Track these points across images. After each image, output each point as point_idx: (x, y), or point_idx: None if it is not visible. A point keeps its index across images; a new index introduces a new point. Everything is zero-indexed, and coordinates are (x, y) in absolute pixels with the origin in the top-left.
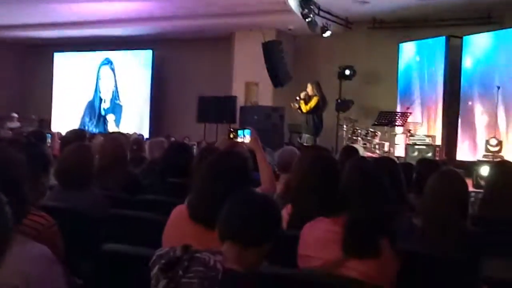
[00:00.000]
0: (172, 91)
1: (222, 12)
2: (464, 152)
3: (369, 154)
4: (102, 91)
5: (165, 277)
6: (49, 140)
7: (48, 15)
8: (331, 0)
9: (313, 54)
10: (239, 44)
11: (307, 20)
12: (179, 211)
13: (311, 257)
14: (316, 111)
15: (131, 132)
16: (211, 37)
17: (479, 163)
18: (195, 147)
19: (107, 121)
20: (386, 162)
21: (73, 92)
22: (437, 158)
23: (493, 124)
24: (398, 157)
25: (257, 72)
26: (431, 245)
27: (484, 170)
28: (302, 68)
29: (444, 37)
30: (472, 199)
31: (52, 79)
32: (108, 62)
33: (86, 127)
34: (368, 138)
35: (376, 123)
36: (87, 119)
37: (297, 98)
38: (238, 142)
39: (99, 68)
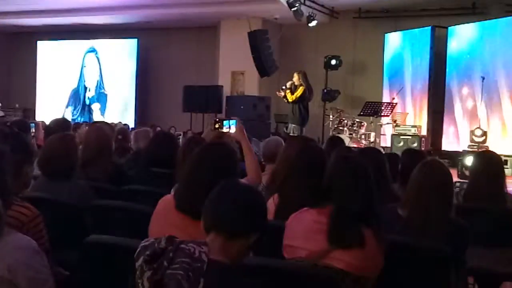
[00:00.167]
0: (157, 80)
1: (208, 1)
2: (449, 142)
3: (355, 144)
4: (86, 80)
5: (150, 268)
6: (33, 129)
7: (31, 2)
8: None
9: (299, 43)
10: (225, 33)
11: (293, 9)
12: (166, 202)
13: (297, 247)
14: (302, 101)
15: (116, 122)
16: (197, 26)
17: (464, 153)
18: (180, 137)
19: (92, 110)
20: (371, 152)
21: (57, 80)
22: (422, 148)
23: (477, 114)
24: (384, 147)
25: (243, 61)
26: (415, 235)
27: (469, 160)
28: (288, 58)
29: (429, 27)
30: (457, 189)
31: (35, 68)
32: (93, 50)
33: (71, 116)
34: (354, 128)
35: (361, 113)
36: (71, 108)
37: (283, 87)
38: (225, 133)
39: (84, 56)
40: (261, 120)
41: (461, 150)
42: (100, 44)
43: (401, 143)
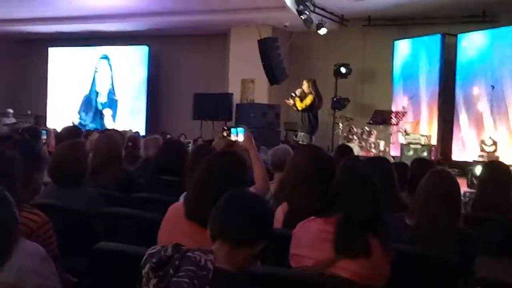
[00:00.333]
0: (168, 87)
1: (218, 9)
2: (459, 152)
3: (365, 153)
4: (98, 85)
5: (156, 275)
6: (44, 136)
7: (43, 10)
8: None
9: (309, 51)
10: (235, 41)
11: (302, 17)
12: (175, 209)
13: (303, 256)
14: (312, 109)
15: (127, 129)
16: (207, 33)
17: (474, 163)
18: (190, 144)
19: (104, 115)
20: (379, 161)
21: (69, 87)
22: (432, 158)
23: (488, 123)
24: (393, 157)
25: (253, 69)
26: (423, 245)
27: (479, 170)
28: (298, 66)
29: (439, 34)
30: (467, 199)
31: (47, 75)
32: (105, 57)
33: (83, 122)
34: (364, 137)
35: (370, 122)
36: (83, 114)
37: (292, 94)
38: (235, 142)
39: (98, 62)
40: (270, 128)
41: (471, 160)
42: (111, 51)
43: (411, 152)
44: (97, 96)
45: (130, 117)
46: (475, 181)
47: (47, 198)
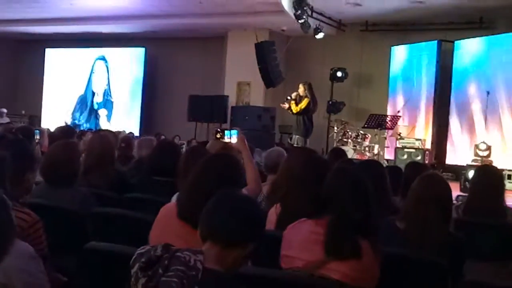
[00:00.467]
0: (163, 89)
1: (216, 12)
2: (453, 156)
3: (359, 156)
4: (95, 86)
5: (145, 275)
6: (37, 136)
7: (40, 11)
8: (324, 2)
9: (306, 55)
10: (232, 44)
11: (300, 21)
12: (168, 210)
13: (294, 257)
14: (307, 113)
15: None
16: (204, 36)
17: (467, 167)
18: (184, 145)
19: (99, 115)
20: (371, 164)
21: (64, 88)
22: (426, 162)
23: (482, 129)
24: (387, 160)
25: (250, 72)
26: (413, 248)
27: (472, 174)
28: (295, 69)
29: (435, 41)
30: (460, 202)
31: (43, 75)
32: (102, 58)
33: (77, 122)
34: (359, 140)
35: (365, 126)
36: (78, 114)
37: (288, 97)
38: (231, 145)
39: (94, 63)
40: (265, 131)
41: (464, 164)
42: (108, 52)
43: (405, 156)
44: (93, 96)
45: (125, 117)
46: (467, 185)
47: (39, 197)
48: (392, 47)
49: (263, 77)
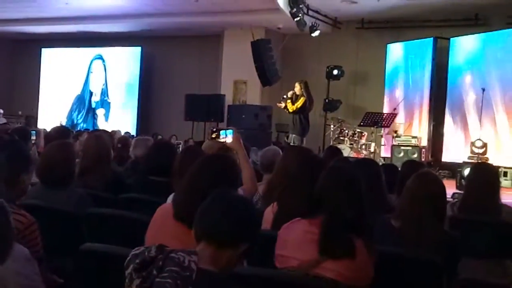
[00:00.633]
0: (160, 88)
1: (212, 10)
2: (450, 154)
3: (356, 154)
4: (92, 85)
5: (139, 276)
6: (34, 137)
7: (36, 10)
8: None
9: (302, 53)
10: (228, 42)
11: (296, 19)
12: (164, 210)
13: (288, 257)
14: (303, 112)
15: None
16: (200, 34)
17: (463, 164)
18: (180, 145)
19: (97, 115)
20: (367, 163)
21: (60, 88)
22: (422, 159)
23: (477, 126)
24: (384, 158)
25: (246, 70)
26: (408, 246)
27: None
28: (291, 67)
29: (431, 38)
30: (456, 200)
31: (39, 75)
32: (100, 57)
33: (75, 121)
34: (355, 138)
35: (361, 124)
36: (75, 114)
37: (284, 96)
38: (225, 144)
39: (91, 62)
40: (262, 130)
41: (461, 161)
42: (103, 51)
43: (401, 154)
44: (91, 96)
45: (122, 117)
46: (463, 183)
47: (35, 198)
48: (387, 45)
49: (259, 76)
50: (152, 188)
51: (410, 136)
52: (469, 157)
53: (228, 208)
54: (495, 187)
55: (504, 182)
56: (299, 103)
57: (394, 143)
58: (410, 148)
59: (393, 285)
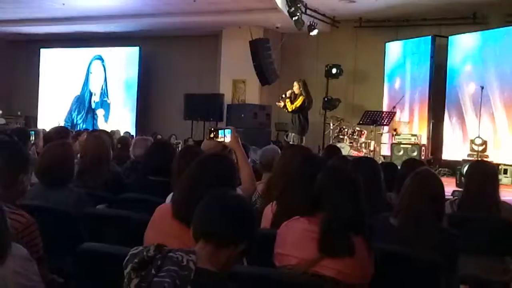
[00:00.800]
0: (159, 88)
1: (210, 10)
2: (449, 151)
3: (355, 153)
4: (92, 85)
5: (138, 276)
6: (33, 137)
7: (34, 11)
8: None
9: (300, 52)
10: (227, 42)
11: (294, 18)
12: (163, 210)
13: (287, 255)
14: (302, 111)
15: (117, 129)
16: (199, 34)
17: (463, 162)
18: (180, 145)
19: (97, 115)
20: (366, 161)
21: (60, 88)
22: (422, 157)
23: (477, 123)
24: (384, 156)
25: (244, 70)
26: (407, 244)
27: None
28: (289, 66)
29: (430, 36)
30: (456, 198)
31: (38, 75)
32: (99, 57)
33: (75, 122)
34: (355, 137)
35: (361, 122)
36: (74, 114)
37: (283, 96)
38: (226, 146)
39: (90, 62)
40: (261, 129)
41: (461, 159)
42: (102, 52)
43: (401, 152)
44: (90, 96)
45: (121, 117)
46: (463, 180)
47: (34, 199)
48: (386, 44)
49: (258, 75)
50: (151, 188)
51: (410, 134)
52: (469, 155)
53: (225, 207)
54: (494, 185)
55: (504, 179)
56: (298, 102)
57: (394, 141)
58: (409, 146)
59: (392, 283)
